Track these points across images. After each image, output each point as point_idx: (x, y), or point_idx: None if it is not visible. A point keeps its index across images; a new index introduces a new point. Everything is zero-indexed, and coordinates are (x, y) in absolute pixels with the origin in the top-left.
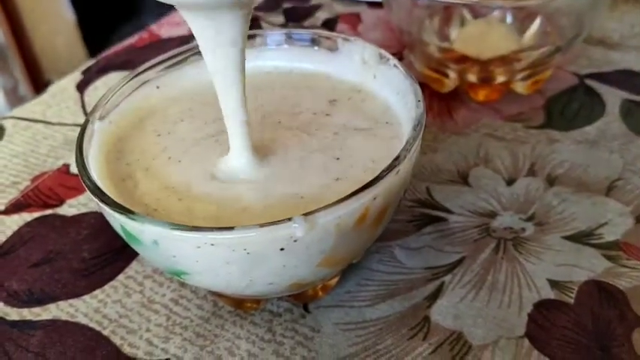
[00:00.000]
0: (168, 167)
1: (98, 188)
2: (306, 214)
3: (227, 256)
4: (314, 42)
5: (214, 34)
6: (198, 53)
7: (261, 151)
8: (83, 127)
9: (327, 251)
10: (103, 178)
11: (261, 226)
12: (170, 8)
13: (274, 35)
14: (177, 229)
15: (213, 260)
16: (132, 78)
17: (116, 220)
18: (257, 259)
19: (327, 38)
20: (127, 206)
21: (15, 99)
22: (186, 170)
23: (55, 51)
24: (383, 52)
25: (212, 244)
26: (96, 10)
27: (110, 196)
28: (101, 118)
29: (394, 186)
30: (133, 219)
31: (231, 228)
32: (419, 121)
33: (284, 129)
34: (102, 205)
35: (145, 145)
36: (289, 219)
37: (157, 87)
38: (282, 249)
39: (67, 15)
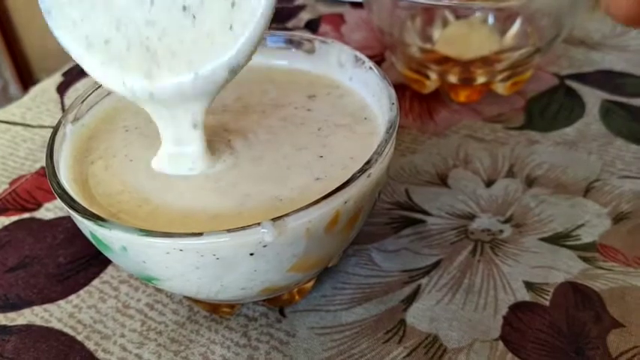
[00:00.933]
0: (125, 166)
1: (66, 193)
2: (274, 219)
3: (196, 261)
4: (291, 43)
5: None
6: None
7: (242, 143)
8: (55, 130)
9: (299, 256)
10: (70, 180)
11: (229, 231)
12: None
13: None
14: (146, 235)
15: (183, 266)
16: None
17: (85, 226)
18: (227, 265)
19: (306, 40)
20: (90, 208)
21: (4, 99)
22: (144, 170)
23: (45, 51)
24: (359, 54)
25: (181, 250)
26: None
27: (78, 200)
28: (74, 120)
29: (366, 189)
30: (100, 225)
31: (199, 234)
32: (392, 124)
33: (268, 119)
34: (70, 211)
35: (112, 141)
36: (258, 224)
37: None
38: (251, 254)
39: None
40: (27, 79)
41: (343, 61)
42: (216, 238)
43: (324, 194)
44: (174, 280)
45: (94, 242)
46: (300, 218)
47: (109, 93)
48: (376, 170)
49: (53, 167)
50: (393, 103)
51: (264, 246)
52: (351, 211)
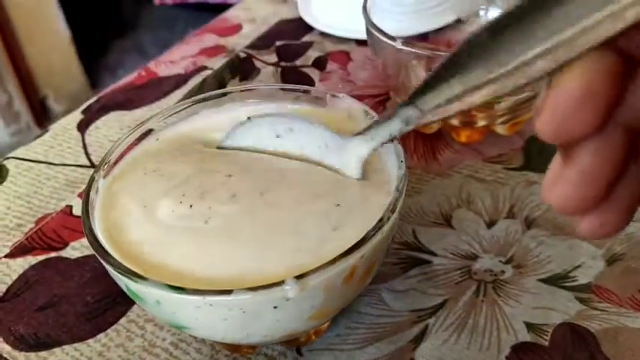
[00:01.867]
0: (140, 213)
1: (104, 250)
2: (297, 277)
3: (224, 314)
4: (306, 93)
5: None
6: (197, 103)
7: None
8: (89, 186)
9: (318, 306)
10: (102, 231)
11: (255, 289)
12: (167, 27)
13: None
14: (178, 292)
15: (212, 318)
16: (133, 131)
17: (120, 280)
18: (252, 317)
19: (316, 96)
20: (120, 259)
21: (9, 115)
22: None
23: (49, 67)
24: (368, 109)
25: (210, 305)
26: (91, 26)
27: (109, 250)
28: (106, 175)
29: (381, 243)
30: (135, 281)
31: (229, 291)
32: (401, 181)
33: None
34: (107, 266)
35: (131, 185)
36: (282, 282)
37: (157, 139)
38: (275, 307)
39: (62, 31)
40: (31, 94)
41: (353, 114)
42: (243, 296)
43: (343, 248)
44: (203, 329)
45: (128, 294)
46: (321, 275)
47: (136, 143)
48: (389, 226)
49: (90, 223)
50: (402, 161)
51: (287, 300)
52: (367, 263)
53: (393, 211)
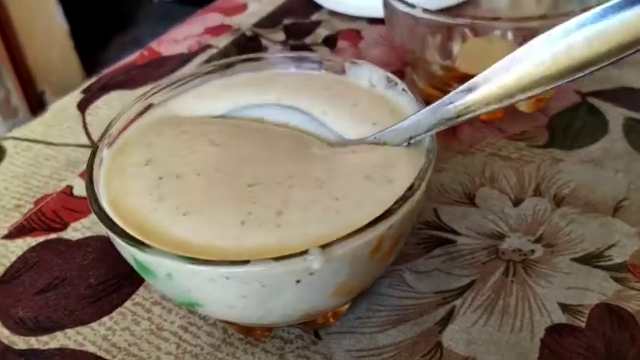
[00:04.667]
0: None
1: (109, 219)
2: (322, 247)
3: (242, 289)
4: (321, 65)
5: None
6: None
7: None
8: (92, 155)
9: (342, 282)
10: (108, 203)
11: (277, 259)
12: (167, 23)
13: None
14: (192, 262)
15: (228, 293)
16: (137, 102)
17: (127, 251)
18: (272, 292)
19: (337, 62)
20: (126, 228)
21: (7, 110)
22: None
23: (48, 62)
24: (390, 75)
25: (227, 278)
26: (89, 21)
27: (120, 225)
28: (109, 145)
29: (409, 214)
30: (145, 251)
31: (247, 261)
32: (430, 149)
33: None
34: (113, 235)
35: (137, 153)
36: (306, 251)
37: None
38: (298, 281)
39: (61, 25)
40: (29, 90)
41: (374, 81)
42: (262, 266)
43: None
44: (217, 306)
45: (135, 267)
46: (347, 245)
47: (139, 115)
48: (418, 194)
49: (94, 193)
50: (431, 135)
51: (311, 273)
52: (394, 236)
53: (422, 179)
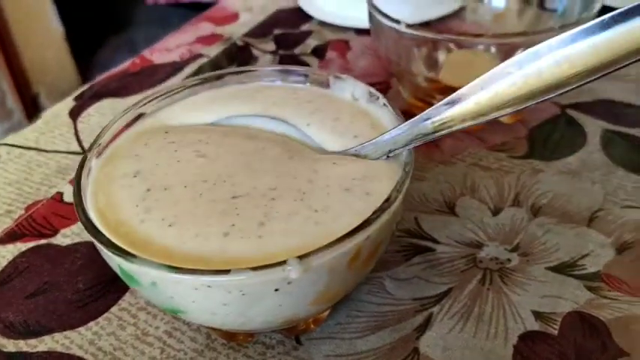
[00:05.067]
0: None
1: (96, 229)
2: (300, 257)
3: (223, 297)
4: (306, 78)
5: None
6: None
7: None
8: (80, 166)
9: (321, 290)
10: (95, 211)
11: (255, 269)
12: (160, 26)
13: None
14: (175, 272)
15: (210, 301)
16: (127, 112)
17: (113, 260)
18: (252, 300)
19: (321, 76)
20: (112, 237)
21: (2, 112)
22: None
23: (43, 64)
24: (372, 90)
25: (209, 286)
26: (84, 23)
27: (102, 230)
28: (98, 155)
29: (386, 224)
30: (130, 261)
31: (227, 271)
32: (409, 160)
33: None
34: (99, 245)
35: (125, 163)
36: (284, 261)
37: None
38: (276, 290)
39: (55, 28)
40: (24, 91)
41: (357, 95)
42: (242, 276)
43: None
44: (200, 313)
45: (120, 275)
46: (325, 255)
47: (128, 125)
48: (395, 206)
49: (81, 201)
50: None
51: (289, 283)
52: (372, 246)
53: (399, 191)
